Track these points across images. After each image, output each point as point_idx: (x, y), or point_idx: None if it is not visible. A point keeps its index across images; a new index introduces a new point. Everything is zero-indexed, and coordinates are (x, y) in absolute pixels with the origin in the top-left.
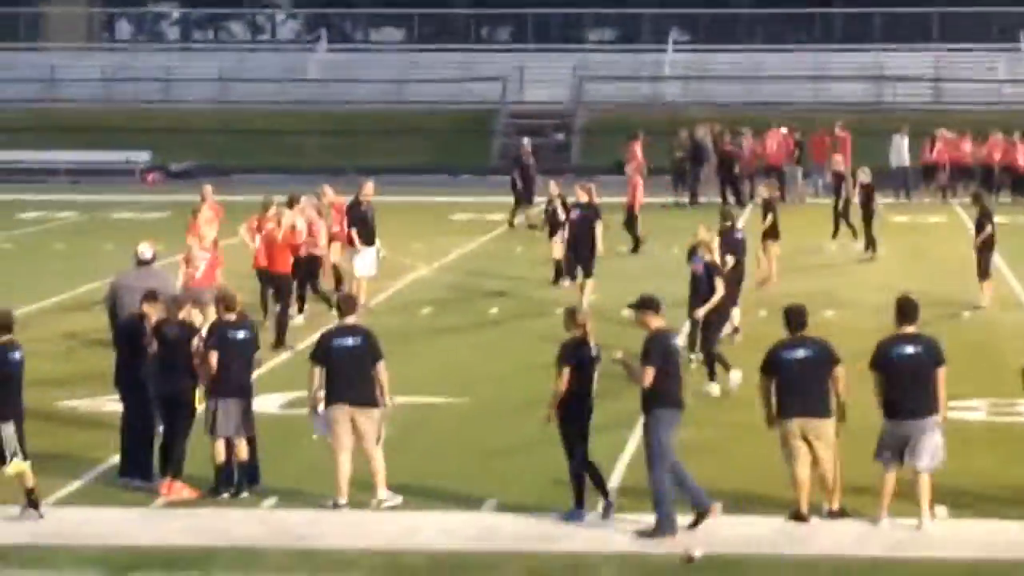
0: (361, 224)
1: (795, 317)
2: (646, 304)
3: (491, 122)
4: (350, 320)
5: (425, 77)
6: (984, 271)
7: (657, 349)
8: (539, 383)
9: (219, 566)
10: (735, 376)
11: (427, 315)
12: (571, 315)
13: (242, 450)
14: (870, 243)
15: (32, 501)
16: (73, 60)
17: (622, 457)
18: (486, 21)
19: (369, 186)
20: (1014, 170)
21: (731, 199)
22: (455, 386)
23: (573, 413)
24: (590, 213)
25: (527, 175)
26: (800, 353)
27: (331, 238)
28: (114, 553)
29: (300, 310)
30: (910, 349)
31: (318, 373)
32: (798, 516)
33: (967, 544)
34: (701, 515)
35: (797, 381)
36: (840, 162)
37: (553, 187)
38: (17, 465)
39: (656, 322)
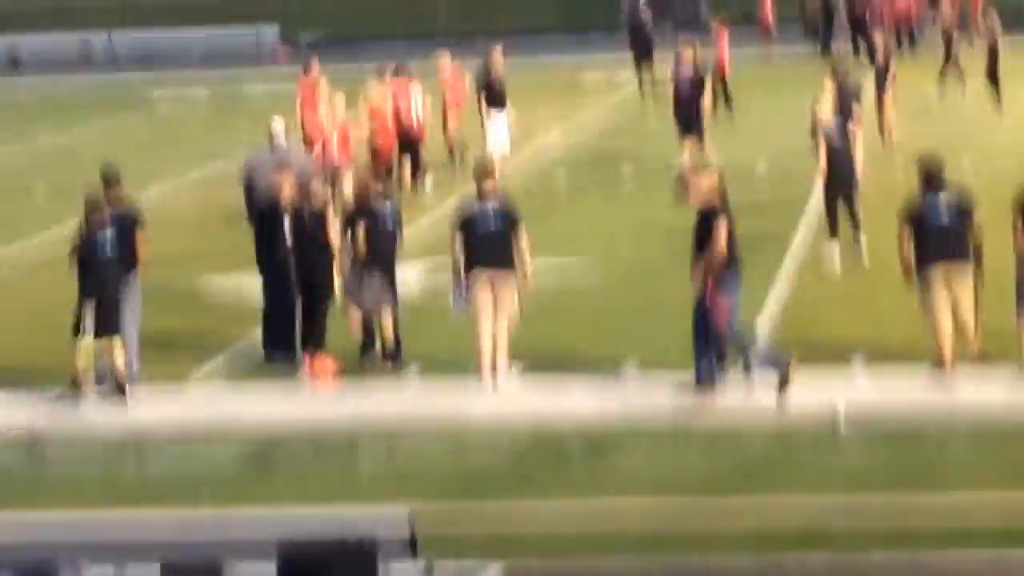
0: (490, 91)
1: (931, 166)
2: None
3: None
4: (488, 187)
5: None
6: None
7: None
8: (673, 243)
9: (364, 441)
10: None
11: (559, 177)
12: (696, 172)
13: (386, 323)
14: (997, 92)
15: (119, 385)
16: None
17: (764, 312)
18: None
19: (497, 53)
20: None
21: (862, 49)
22: (591, 247)
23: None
24: (694, 74)
25: (642, 34)
26: (940, 201)
27: (447, 108)
28: (258, 429)
29: (415, 178)
30: None
31: (459, 240)
32: (941, 364)
33: None
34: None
35: (938, 228)
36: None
37: (683, 47)
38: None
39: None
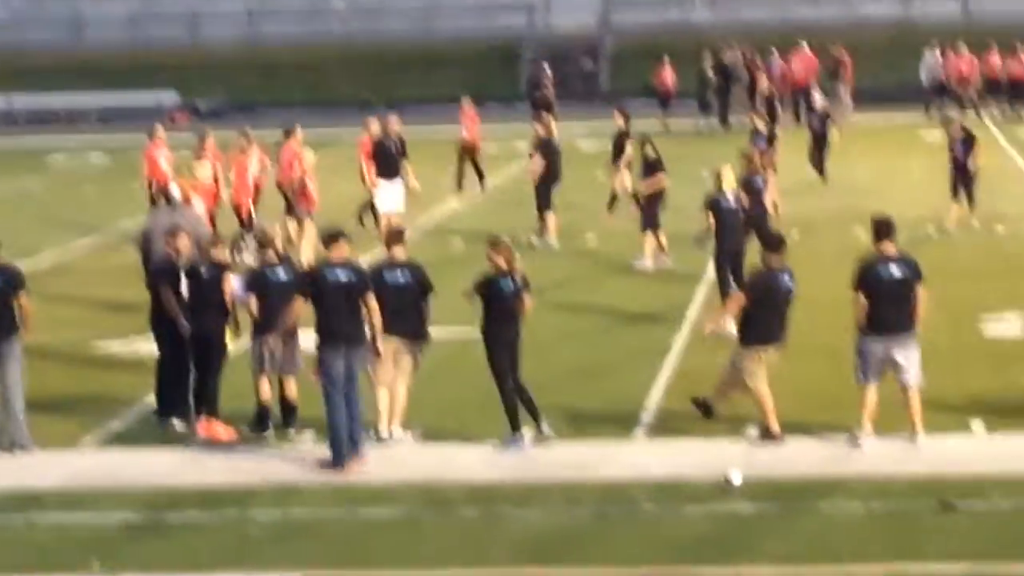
0: (384, 159)
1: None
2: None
3: (519, 50)
4: (399, 253)
5: (452, 6)
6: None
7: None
8: (568, 314)
9: (258, 503)
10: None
11: (458, 246)
12: (493, 245)
13: (287, 388)
14: (821, 169)
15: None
16: (99, 1)
17: (657, 382)
18: None
19: (391, 120)
20: None
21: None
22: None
23: (499, 343)
24: (550, 148)
25: (544, 102)
26: (894, 269)
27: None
28: (153, 493)
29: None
30: (894, 268)
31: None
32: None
33: (1005, 458)
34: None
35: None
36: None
37: (616, 115)
38: None
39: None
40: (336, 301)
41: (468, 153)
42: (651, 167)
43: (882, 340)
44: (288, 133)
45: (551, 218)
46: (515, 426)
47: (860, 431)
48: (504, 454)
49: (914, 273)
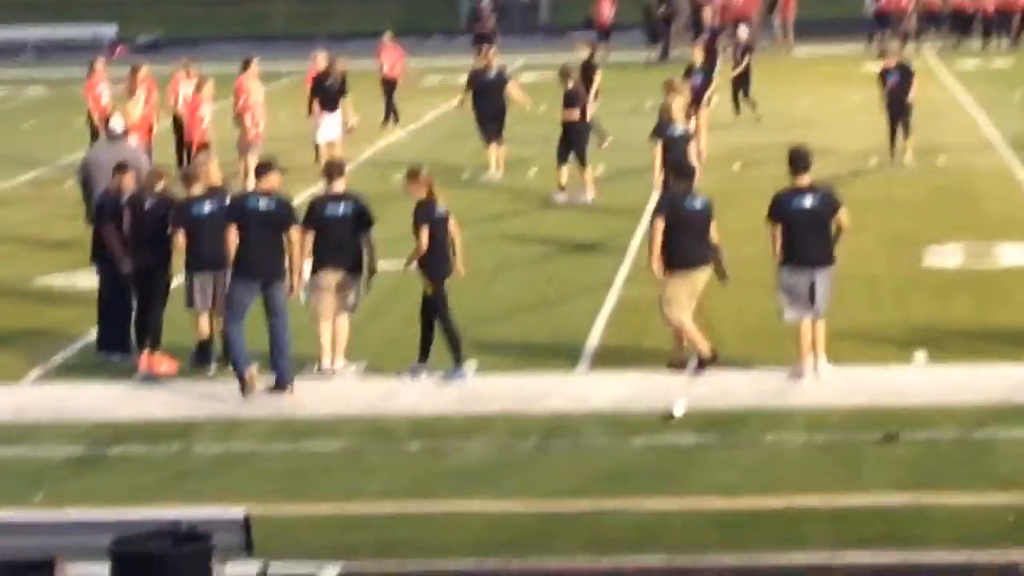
0: (324, 93)
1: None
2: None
3: None
4: (339, 186)
5: None
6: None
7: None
8: (512, 247)
9: (200, 437)
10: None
11: (399, 180)
12: (413, 175)
13: (221, 324)
14: (751, 103)
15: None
16: None
17: (600, 315)
18: None
19: (332, 58)
20: (985, 15)
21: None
22: None
23: (440, 273)
24: (498, 79)
25: (484, 35)
26: (807, 200)
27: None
28: (96, 427)
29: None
30: (808, 199)
31: (308, 239)
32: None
33: (948, 389)
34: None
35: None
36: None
37: (581, 46)
38: None
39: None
40: (255, 230)
41: (387, 88)
42: (569, 99)
43: (802, 271)
44: (245, 66)
45: (493, 151)
46: (458, 358)
47: (801, 363)
48: (447, 387)
49: (829, 204)
